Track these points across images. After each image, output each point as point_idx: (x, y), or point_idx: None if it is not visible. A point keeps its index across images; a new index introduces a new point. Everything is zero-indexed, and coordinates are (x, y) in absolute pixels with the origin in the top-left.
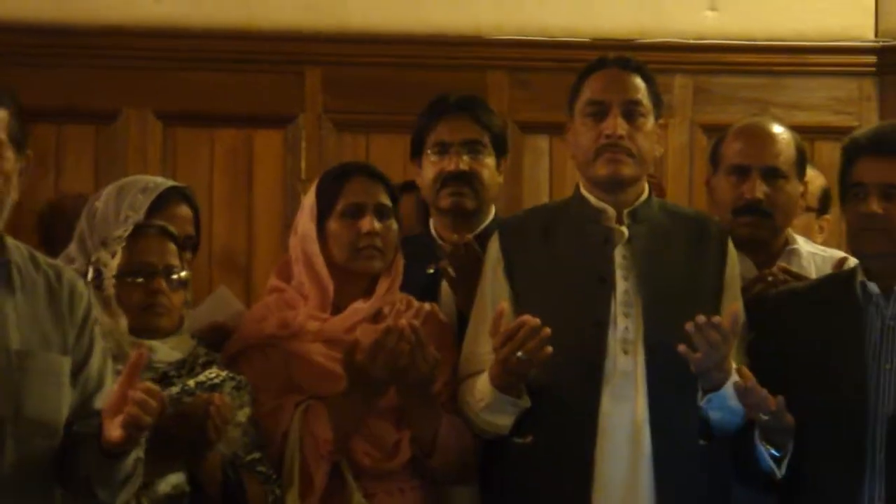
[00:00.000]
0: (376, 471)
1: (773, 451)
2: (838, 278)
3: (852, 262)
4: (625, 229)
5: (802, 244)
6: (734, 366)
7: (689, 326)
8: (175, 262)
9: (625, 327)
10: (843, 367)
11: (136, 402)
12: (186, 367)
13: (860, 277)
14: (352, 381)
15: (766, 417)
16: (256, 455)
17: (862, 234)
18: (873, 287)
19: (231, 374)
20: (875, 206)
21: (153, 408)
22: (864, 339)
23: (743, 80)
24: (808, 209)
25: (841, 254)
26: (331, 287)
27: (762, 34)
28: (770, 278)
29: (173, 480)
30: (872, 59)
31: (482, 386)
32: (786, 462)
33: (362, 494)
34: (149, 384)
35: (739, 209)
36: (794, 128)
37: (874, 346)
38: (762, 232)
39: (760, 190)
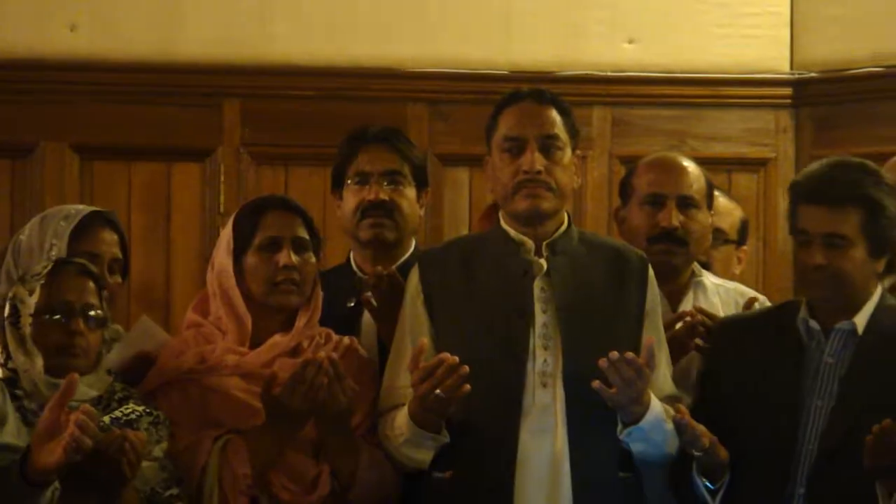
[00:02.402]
0: None
1: (707, 484)
2: (781, 313)
3: (761, 300)
4: (543, 262)
5: (708, 277)
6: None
7: (602, 363)
8: (94, 300)
9: (544, 360)
10: (779, 400)
11: (77, 424)
12: (102, 403)
13: (803, 315)
14: (270, 414)
15: (699, 453)
16: (174, 491)
17: (807, 282)
18: (814, 324)
19: (148, 409)
20: (819, 258)
21: (93, 430)
22: (801, 375)
23: (661, 112)
24: (728, 241)
25: (748, 291)
26: (248, 321)
27: (680, 66)
28: (688, 319)
29: None
30: (788, 91)
31: (401, 420)
32: (720, 494)
33: None
34: (87, 406)
35: (655, 237)
36: (710, 159)
37: (810, 383)
38: (676, 259)
39: (676, 218)
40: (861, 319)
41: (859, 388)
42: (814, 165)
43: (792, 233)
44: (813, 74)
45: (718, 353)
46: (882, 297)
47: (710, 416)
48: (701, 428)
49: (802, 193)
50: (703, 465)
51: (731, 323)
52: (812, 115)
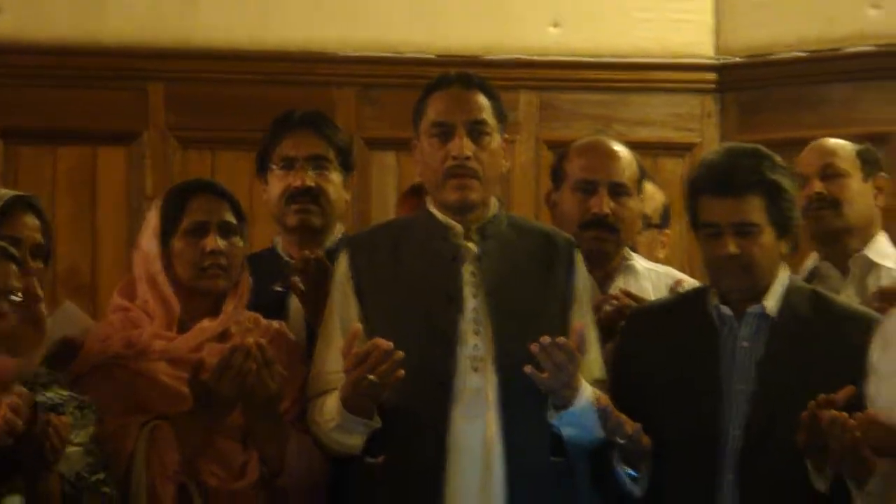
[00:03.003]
0: (223, 491)
1: (630, 472)
2: (693, 298)
3: (688, 282)
4: (473, 246)
5: (638, 260)
6: (588, 386)
7: (534, 348)
8: (16, 283)
9: (474, 345)
10: (698, 386)
11: (11, 407)
12: (26, 388)
13: (714, 301)
14: (198, 400)
15: (622, 441)
16: (101, 475)
17: (721, 273)
18: (726, 310)
19: (73, 394)
20: (732, 248)
21: (25, 413)
22: (718, 360)
23: (587, 97)
24: (651, 225)
25: (678, 274)
26: (176, 306)
27: (606, 51)
28: (614, 302)
29: (10, 502)
30: (713, 76)
31: (332, 406)
32: (644, 482)
33: None
34: (21, 388)
35: (586, 223)
36: (636, 144)
37: (728, 367)
38: (608, 246)
39: (607, 205)
40: (771, 302)
41: (777, 370)
42: (708, 157)
43: (695, 227)
44: (737, 59)
45: (633, 342)
46: (790, 279)
47: (627, 404)
48: (623, 416)
49: (704, 187)
50: (625, 454)
51: (643, 312)
52: (737, 100)
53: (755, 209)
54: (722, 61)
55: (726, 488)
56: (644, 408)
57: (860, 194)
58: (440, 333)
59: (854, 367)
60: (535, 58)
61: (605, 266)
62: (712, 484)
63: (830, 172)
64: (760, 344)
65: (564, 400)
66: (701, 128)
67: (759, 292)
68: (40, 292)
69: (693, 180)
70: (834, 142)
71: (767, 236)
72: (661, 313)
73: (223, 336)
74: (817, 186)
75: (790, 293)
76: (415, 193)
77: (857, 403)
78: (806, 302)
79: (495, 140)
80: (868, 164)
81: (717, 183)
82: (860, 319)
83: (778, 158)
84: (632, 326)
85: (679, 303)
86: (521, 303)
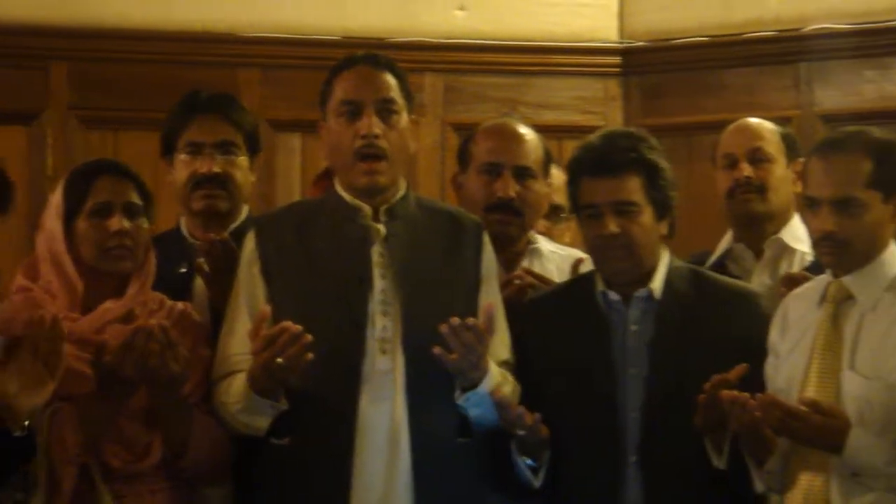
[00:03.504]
0: (126, 473)
1: (529, 462)
2: (580, 285)
3: (589, 261)
4: (382, 227)
5: (543, 243)
6: (495, 369)
7: (443, 328)
8: None
9: (383, 326)
10: (593, 373)
11: None
12: None
13: (600, 287)
14: (101, 382)
15: (522, 433)
16: None
17: (603, 253)
18: (614, 295)
19: None
20: (613, 227)
21: None
22: (610, 346)
23: (492, 80)
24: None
25: (579, 253)
26: (80, 287)
27: (510, 34)
28: (517, 281)
29: None
30: (617, 59)
31: (239, 387)
32: (543, 472)
33: (112, 497)
34: None
35: (491, 206)
36: (541, 127)
37: (620, 352)
38: (512, 229)
39: (512, 188)
40: (657, 284)
41: (668, 352)
42: (589, 140)
43: (576, 210)
44: (641, 43)
45: (526, 332)
46: (671, 260)
47: (526, 392)
48: (521, 409)
49: (583, 168)
50: (524, 445)
51: (534, 302)
52: (640, 84)
53: (634, 189)
54: (626, 45)
55: (630, 471)
56: (542, 397)
57: (784, 180)
58: (348, 315)
59: (740, 343)
60: (441, 40)
61: (511, 249)
62: (616, 468)
63: (759, 157)
64: (649, 327)
65: (472, 381)
66: (605, 111)
67: (644, 275)
68: None
69: (572, 163)
70: (760, 124)
71: (647, 216)
72: (551, 302)
73: (128, 317)
74: (746, 170)
75: (671, 274)
76: (328, 176)
77: (751, 379)
78: (687, 282)
79: (403, 119)
80: (790, 149)
81: (596, 164)
82: (741, 295)
83: (654, 140)
84: (525, 316)
85: (566, 291)
86: (429, 284)
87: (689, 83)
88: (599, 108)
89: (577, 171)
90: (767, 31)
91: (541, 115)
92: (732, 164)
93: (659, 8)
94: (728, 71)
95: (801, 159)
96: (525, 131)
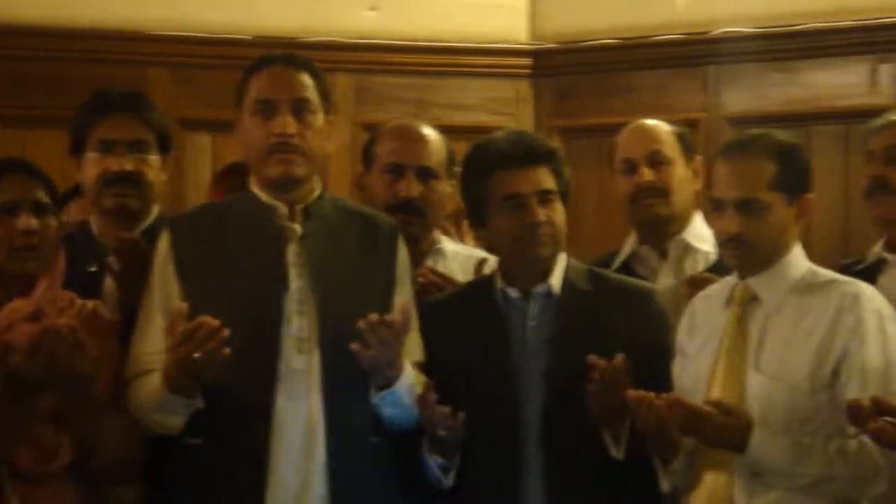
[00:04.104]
0: (35, 474)
1: (440, 461)
2: (480, 285)
3: (492, 261)
4: (297, 227)
5: (447, 243)
6: (410, 369)
7: (361, 324)
8: None
9: (299, 326)
10: (493, 370)
11: None
12: None
13: (500, 284)
14: (8, 382)
15: (443, 432)
16: None
17: (529, 240)
18: (513, 292)
19: None
20: (542, 215)
21: None
22: (509, 342)
23: (403, 80)
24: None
25: (482, 254)
26: None
27: (422, 35)
28: (420, 279)
29: None
30: (528, 61)
31: (153, 386)
32: (453, 472)
33: (20, 499)
34: None
35: (394, 207)
36: (452, 128)
37: (520, 348)
38: (415, 229)
39: (415, 188)
40: (556, 281)
41: (567, 347)
42: (494, 138)
43: (489, 202)
44: (551, 45)
45: (429, 333)
46: (567, 259)
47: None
48: (443, 409)
49: (502, 162)
50: (435, 444)
51: (436, 303)
52: (551, 86)
53: (550, 178)
54: (536, 47)
55: (531, 464)
56: (446, 397)
57: (684, 180)
58: (264, 314)
59: (637, 339)
60: (352, 41)
61: (414, 249)
62: (517, 462)
63: (658, 160)
64: (549, 323)
65: (387, 380)
66: (516, 112)
67: (543, 273)
68: None
69: (485, 158)
70: (656, 126)
71: (560, 205)
72: (452, 303)
73: (36, 316)
74: (647, 175)
75: (569, 271)
76: (230, 174)
77: (650, 377)
78: (584, 279)
79: (319, 119)
80: (687, 149)
81: (518, 155)
82: (637, 292)
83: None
84: (427, 318)
85: (465, 293)
86: (345, 284)
87: (599, 85)
88: (510, 109)
89: (492, 164)
90: (676, 34)
91: (451, 115)
92: (632, 168)
93: (569, 10)
94: (637, 73)
95: (699, 157)
96: (428, 132)
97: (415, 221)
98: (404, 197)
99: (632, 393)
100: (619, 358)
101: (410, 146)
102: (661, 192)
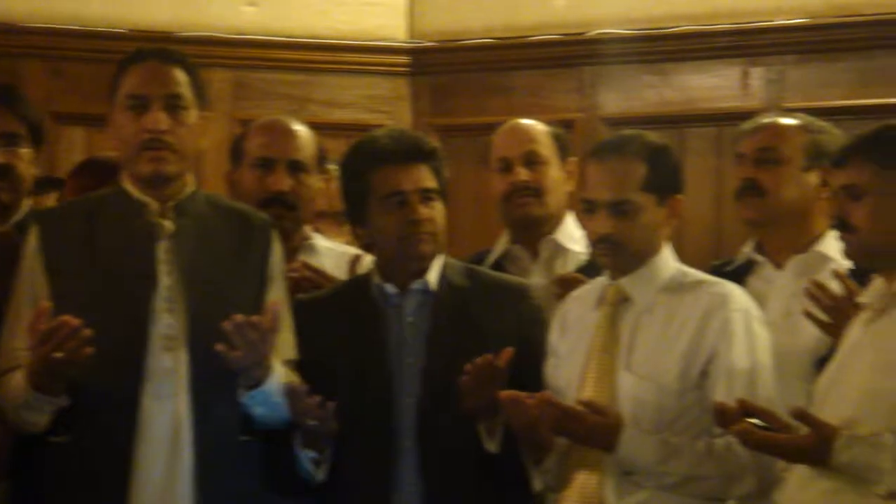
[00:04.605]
0: None
1: (312, 455)
2: (356, 283)
3: (367, 259)
4: (168, 223)
5: (319, 239)
6: (279, 367)
7: (227, 325)
8: None
9: (168, 324)
10: (368, 367)
11: None
12: None
13: (376, 280)
14: None
15: (313, 423)
16: None
17: (411, 238)
18: (391, 288)
19: None
20: (425, 213)
21: None
22: (385, 338)
23: (281, 76)
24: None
25: (354, 251)
26: None
27: (300, 31)
28: (294, 274)
29: None
30: (406, 59)
31: (19, 383)
32: (325, 466)
33: None
34: None
35: (265, 201)
36: (330, 125)
37: (396, 343)
38: (286, 223)
39: (286, 183)
40: (433, 277)
41: (444, 342)
42: (375, 135)
43: (371, 199)
44: (430, 43)
45: (305, 330)
46: (444, 256)
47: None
48: (315, 399)
49: (385, 157)
50: (308, 437)
51: (312, 301)
52: (429, 84)
53: (432, 177)
54: (414, 45)
55: (406, 457)
56: (321, 393)
57: (558, 181)
58: (132, 312)
59: (511, 334)
60: (230, 36)
61: (286, 243)
62: (391, 455)
63: (533, 160)
64: (426, 318)
65: (256, 379)
66: (393, 110)
67: (420, 270)
68: None
69: (368, 154)
70: (532, 126)
71: (440, 204)
72: (328, 300)
73: None
74: (522, 175)
75: (446, 268)
76: (88, 168)
77: (521, 374)
78: (461, 275)
79: (192, 115)
80: (562, 149)
81: (400, 152)
82: (512, 288)
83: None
84: (303, 315)
85: (346, 288)
86: (215, 282)
87: (477, 84)
88: (388, 107)
89: (374, 161)
90: (553, 35)
91: (330, 113)
92: (507, 167)
93: (447, 9)
94: (514, 73)
95: (573, 158)
96: (298, 127)
97: (286, 215)
98: (275, 190)
99: (504, 393)
100: (506, 352)
101: (280, 140)
102: (536, 191)
